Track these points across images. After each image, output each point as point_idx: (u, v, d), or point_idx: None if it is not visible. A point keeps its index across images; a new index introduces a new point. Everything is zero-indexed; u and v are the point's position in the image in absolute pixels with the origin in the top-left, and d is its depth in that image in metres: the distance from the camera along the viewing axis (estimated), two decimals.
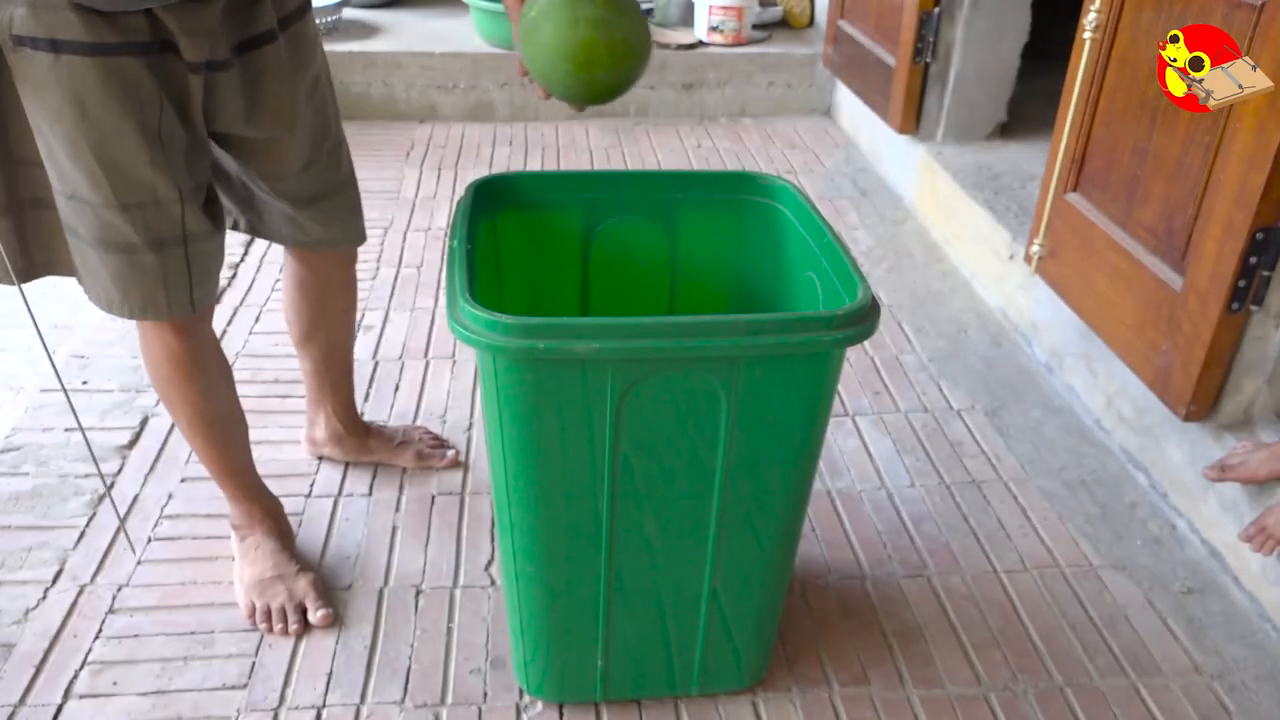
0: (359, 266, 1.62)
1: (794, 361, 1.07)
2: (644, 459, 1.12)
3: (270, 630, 1.47)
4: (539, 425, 1.08)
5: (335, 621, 1.50)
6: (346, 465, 1.81)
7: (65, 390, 1.62)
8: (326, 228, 1.47)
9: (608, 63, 1.11)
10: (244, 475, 1.54)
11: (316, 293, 1.60)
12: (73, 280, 1.30)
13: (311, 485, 1.77)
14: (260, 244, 2.60)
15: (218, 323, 2.24)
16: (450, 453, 1.81)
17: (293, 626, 1.47)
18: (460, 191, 1.34)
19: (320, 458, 1.83)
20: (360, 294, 2.36)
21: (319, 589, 1.52)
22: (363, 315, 2.30)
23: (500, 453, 1.12)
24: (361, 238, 1.55)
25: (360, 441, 1.80)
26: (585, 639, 1.29)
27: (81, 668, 1.41)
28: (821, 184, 3.04)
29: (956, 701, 1.41)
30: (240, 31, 1.22)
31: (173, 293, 1.26)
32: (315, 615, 1.48)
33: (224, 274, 2.43)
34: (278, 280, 2.43)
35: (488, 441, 1.16)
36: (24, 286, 1.25)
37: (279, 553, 1.54)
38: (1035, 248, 2.07)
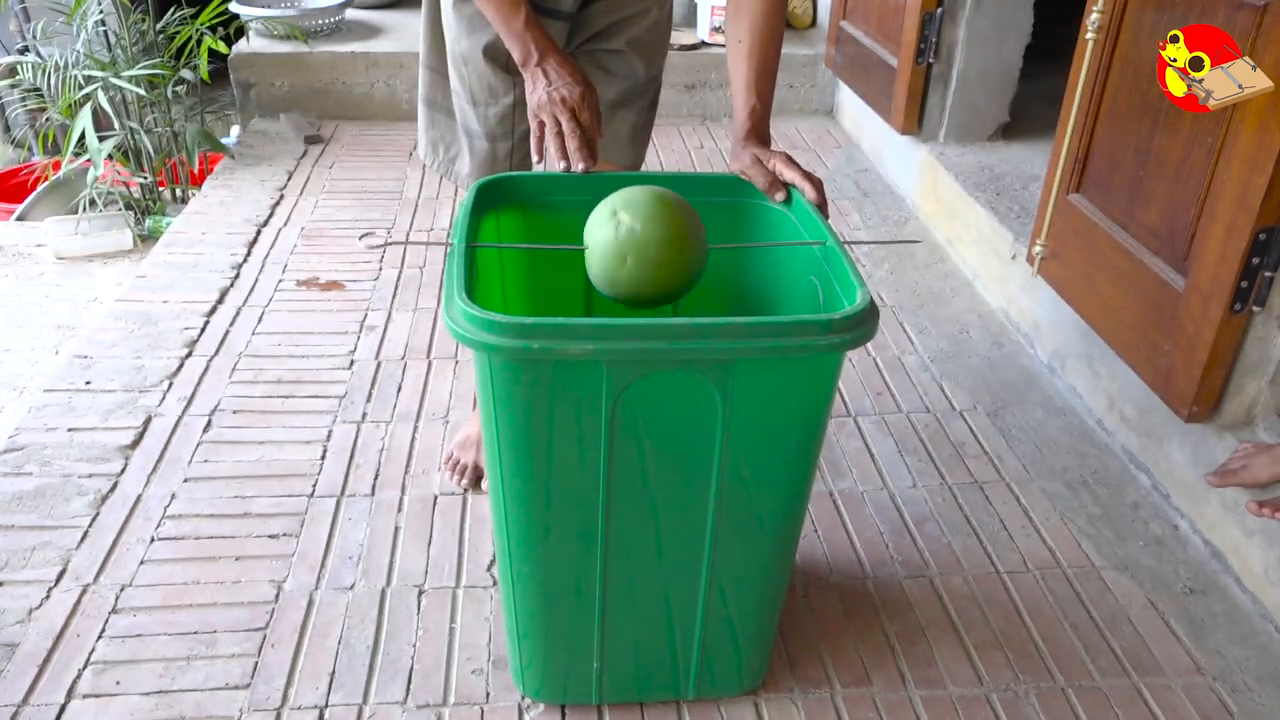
0: (362, 267, 1.62)
1: (791, 365, 1.07)
2: (640, 461, 1.12)
3: (451, 477, 1.78)
4: (534, 425, 1.08)
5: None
6: (349, 465, 1.82)
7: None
8: (610, 142, 1.58)
9: (653, 279, 1.15)
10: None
11: None
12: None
13: (314, 485, 1.77)
14: (262, 245, 2.60)
15: (219, 322, 2.24)
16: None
17: (464, 484, 1.77)
18: (463, 192, 1.34)
19: None
20: (362, 295, 2.38)
21: None
22: (365, 315, 2.30)
23: (496, 453, 1.12)
24: (633, 164, 1.66)
25: None
26: (582, 642, 1.29)
27: (84, 667, 1.41)
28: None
29: (958, 702, 1.42)
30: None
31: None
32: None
33: (225, 275, 2.44)
34: (280, 280, 2.43)
35: (484, 441, 1.16)
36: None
37: None
38: (1037, 248, 2.07)
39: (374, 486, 1.78)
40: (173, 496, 1.73)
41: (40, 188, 3.09)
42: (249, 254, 2.56)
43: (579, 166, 1.29)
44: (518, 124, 1.57)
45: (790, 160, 1.34)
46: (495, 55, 1.51)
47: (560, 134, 1.31)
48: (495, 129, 1.57)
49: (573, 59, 1.35)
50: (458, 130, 1.63)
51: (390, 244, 1.52)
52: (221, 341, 2.18)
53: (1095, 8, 1.84)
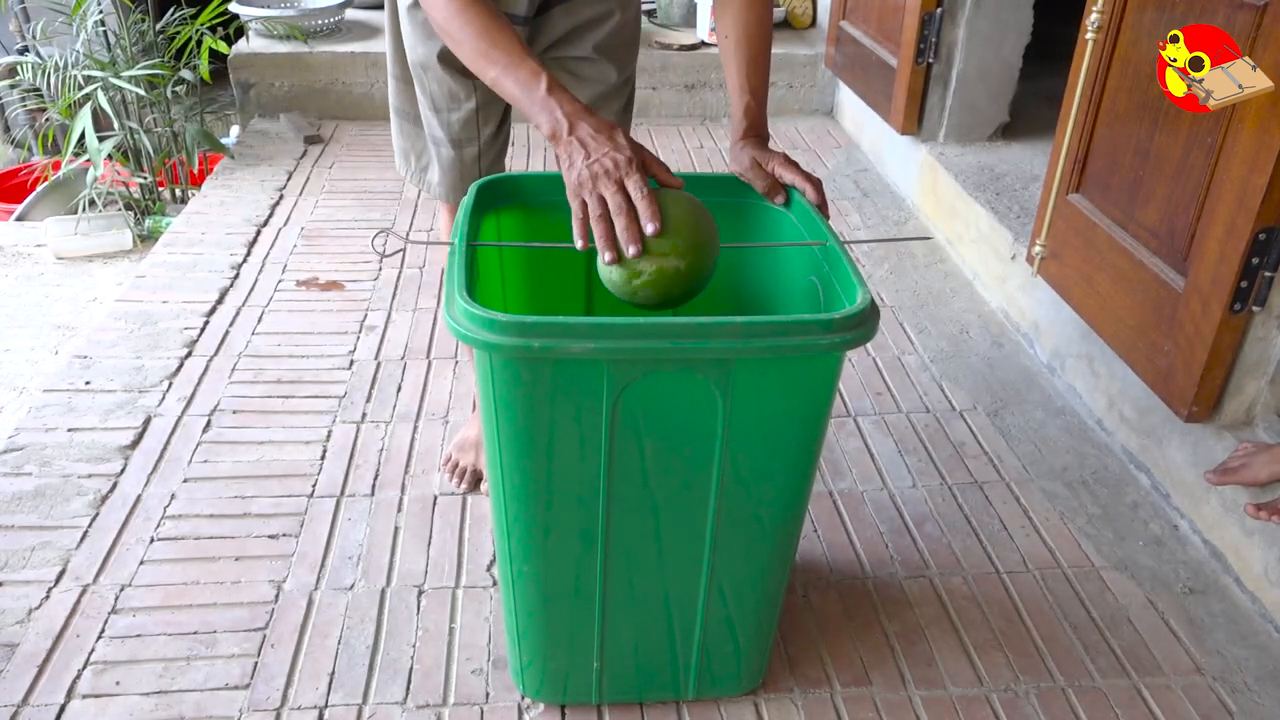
0: (361, 267, 1.62)
1: (791, 365, 1.07)
2: (640, 460, 1.12)
3: (450, 479, 1.79)
4: (534, 424, 1.08)
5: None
6: (349, 465, 1.82)
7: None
8: None
9: (669, 283, 1.12)
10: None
11: None
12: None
13: (314, 485, 1.77)
14: (262, 244, 2.60)
15: (219, 322, 2.24)
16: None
17: (463, 486, 1.77)
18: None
19: None
20: (362, 295, 2.38)
21: None
22: (365, 315, 2.30)
23: (496, 452, 1.12)
24: None
25: None
26: (582, 642, 1.29)
27: (84, 668, 1.41)
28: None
29: (958, 702, 1.42)
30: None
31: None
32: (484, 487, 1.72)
33: (225, 275, 2.44)
34: (280, 280, 2.43)
35: (485, 441, 1.16)
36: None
37: None
38: (1037, 248, 2.07)
39: (374, 486, 1.78)
40: (172, 497, 1.73)
41: (40, 188, 3.09)
42: (249, 254, 2.56)
43: (631, 251, 1.09)
44: (482, 127, 1.55)
45: (789, 161, 1.34)
46: (451, 60, 1.46)
47: (605, 216, 1.10)
48: (460, 134, 1.55)
49: (610, 121, 1.16)
50: (426, 139, 1.61)
51: (398, 251, 1.52)
52: (221, 341, 2.18)
53: (1095, 8, 1.84)
